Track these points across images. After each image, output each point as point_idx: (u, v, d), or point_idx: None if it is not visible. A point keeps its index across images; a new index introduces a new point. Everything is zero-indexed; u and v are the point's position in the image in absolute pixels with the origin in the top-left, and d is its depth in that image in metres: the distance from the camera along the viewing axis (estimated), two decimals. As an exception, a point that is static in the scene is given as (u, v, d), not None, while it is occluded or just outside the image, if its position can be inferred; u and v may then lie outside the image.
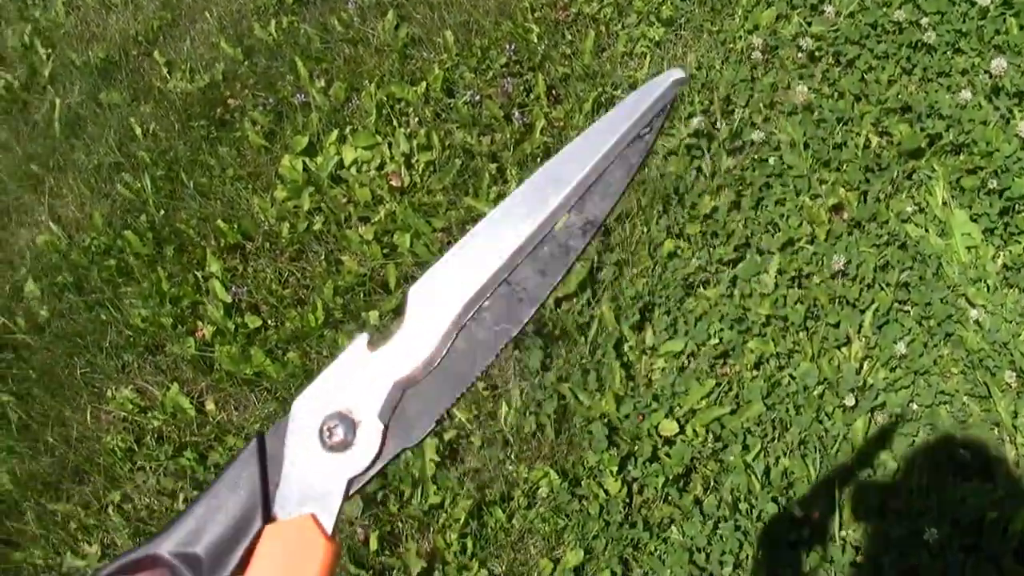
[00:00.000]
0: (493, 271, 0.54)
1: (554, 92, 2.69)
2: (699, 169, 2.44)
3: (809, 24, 2.68)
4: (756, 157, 2.44)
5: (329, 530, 0.50)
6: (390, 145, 2.63)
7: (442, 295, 0.54)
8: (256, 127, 2.80)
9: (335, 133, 2.69)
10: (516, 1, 2.91)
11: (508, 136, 2.56)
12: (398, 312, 2.70)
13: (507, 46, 2.76)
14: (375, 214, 2.51)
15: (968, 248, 2.24)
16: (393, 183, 2.57)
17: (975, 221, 2.28)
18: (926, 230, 2.27)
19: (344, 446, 0.52)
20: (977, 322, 2.13)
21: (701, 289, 2.28)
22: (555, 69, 2.71)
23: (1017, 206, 2.27)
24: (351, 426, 0.52)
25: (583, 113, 2.58)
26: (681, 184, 2.41)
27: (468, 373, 0.55)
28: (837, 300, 2.19)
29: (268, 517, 0.51)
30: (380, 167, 2.62)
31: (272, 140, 2.79)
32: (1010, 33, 2.53)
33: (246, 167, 2.74)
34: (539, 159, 2.50)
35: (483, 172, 2.50)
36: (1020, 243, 2.23)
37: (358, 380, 0.53)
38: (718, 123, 2.51)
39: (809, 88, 2.51)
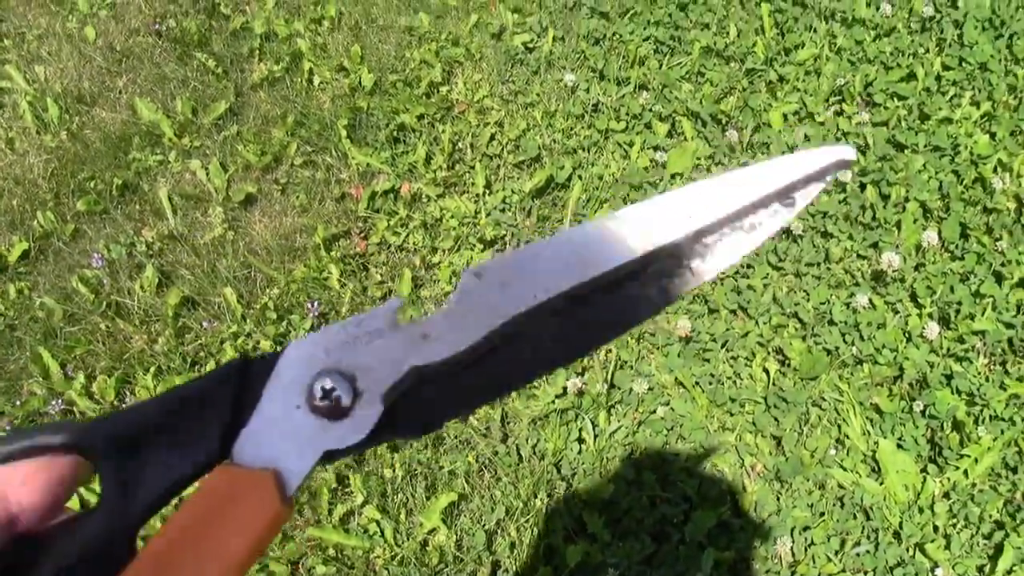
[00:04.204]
0: (567, 287, 0.46)
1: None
2: (580, 440, 2.02)
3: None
4: (642, 411, 2.04)
5: (288, 494, 0.42)
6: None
7: (501, 289, 0.46)
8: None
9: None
10: (304, 238, 2.41)
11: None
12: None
13: (308, 302, 2.26)
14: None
15: (905, 486, 1.94)
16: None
17: (903, 448, 1.98)
18: (857, 472, 1.95)
19: (333, 413, 0.44)
20: (945, 583, 1.83)
21: (621, 599, 1.86)
22: (373, 324, 2.23)
23: (945, 424, 1.98)
24: (348, 394, 0.44)
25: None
26: (563, 462, 1.99)
27: (499, 384, 0.47)
28: (786, 591, 1.83)
29: (225, 454, 0.43)
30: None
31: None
32: (876, 209, 2.26)
33: None
34: (394, 456, 2.01)
35: (319, 486, 1.99)
36: (958, 468, 1.94)
37: (373, 348, 0.45)
38: (583, 374, 2.10)
39: (683, 312, 2.15)
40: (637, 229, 0.48)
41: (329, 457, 0.44)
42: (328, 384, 0.43)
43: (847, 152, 0.50)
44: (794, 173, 0.49)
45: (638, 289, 0.49)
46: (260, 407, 0.44)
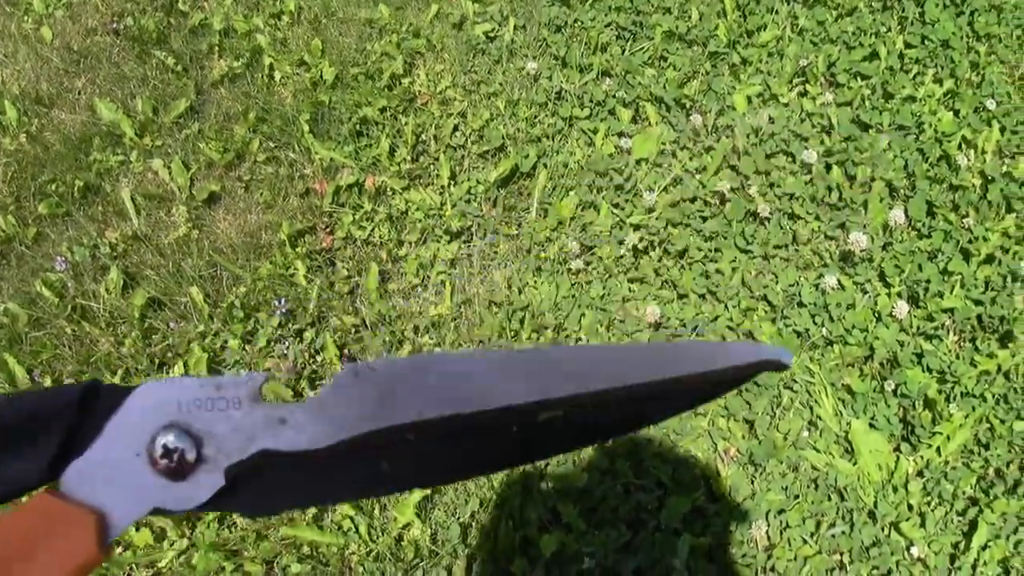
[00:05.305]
0: (441, 415, 0.43)
1: (347, 351, 2.18)
2: (554, 429, 2.01)
3: (618, 207, 2.31)
4: (615, 398, 2.03)
5: (108, 541, 0.41)
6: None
7: (377, 397, 0.44)
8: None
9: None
10: (270, 235, 2.38)
11: (308, 427, 2.03)
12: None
13: (275, 299, 2.23)
14: (162, 556, 1.93)
15: (879, 466, 1.94)
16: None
17: (875, 428, 1.98)
18: (830, 454, 1.95)
19: (171, 473, 0.42)
20: (922, 561, 1.83)
21: (598, 587, 1.85)
22: (340, 320, 2.21)
23: (916, 403, 1.99)
24: (192, 457, 0.42)
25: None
26: (537, 452, 1.98)
27: (349, 489, 0.47)
28: (764, 572, 1.82)
29: (53, 478, 0.41)
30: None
31: None
32: (843, 189, 2.26)
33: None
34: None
35: (290, 485, 1.97)
36: (931, 446, 1.94)
37: (228, 417, 0.43)
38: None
39: (651, 298, 2.15)
40: (541, 373, 0.46)
41: (158, 512, 0.43)
42: (172, 443, 0.42)
43: (784, 356, 0.49)
44: (717, 369, 0.48)
45: (520, 432, 0.47)
46: (101, 441, 0.42)
